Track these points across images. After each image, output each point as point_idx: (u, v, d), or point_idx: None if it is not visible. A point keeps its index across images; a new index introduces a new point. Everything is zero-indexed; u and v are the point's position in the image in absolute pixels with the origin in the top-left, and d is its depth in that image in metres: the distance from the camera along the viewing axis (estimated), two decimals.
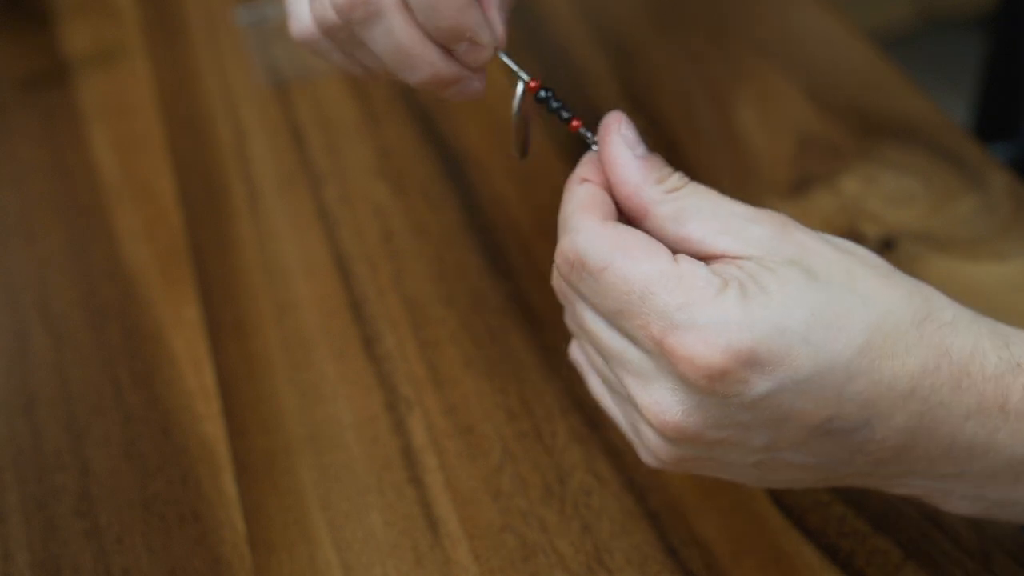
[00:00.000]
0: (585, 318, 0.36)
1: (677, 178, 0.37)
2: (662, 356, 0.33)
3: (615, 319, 0.34)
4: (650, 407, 0.34)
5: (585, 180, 0.38)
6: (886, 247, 0.53)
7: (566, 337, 0.51)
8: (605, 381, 0.38)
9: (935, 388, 0.33)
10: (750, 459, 0.35)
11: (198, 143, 0.64)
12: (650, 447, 0.36)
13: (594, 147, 0.39)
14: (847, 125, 0.60)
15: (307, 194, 0.60)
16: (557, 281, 0.38)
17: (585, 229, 0.35)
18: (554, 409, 0.48)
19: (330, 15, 0.38)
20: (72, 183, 0.62)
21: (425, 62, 0.38)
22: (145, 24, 0.72)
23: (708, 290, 0.32)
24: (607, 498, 0.45)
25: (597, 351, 0.37)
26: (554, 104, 0.39)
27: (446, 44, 0.38)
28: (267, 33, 0.67)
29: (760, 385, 0.32)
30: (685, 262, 0.34)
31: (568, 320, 0.39)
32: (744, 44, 0.66)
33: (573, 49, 0.67)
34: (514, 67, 0.40)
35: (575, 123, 0.39)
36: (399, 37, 0.38)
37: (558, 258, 0.36)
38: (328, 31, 0.39)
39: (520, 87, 0.39)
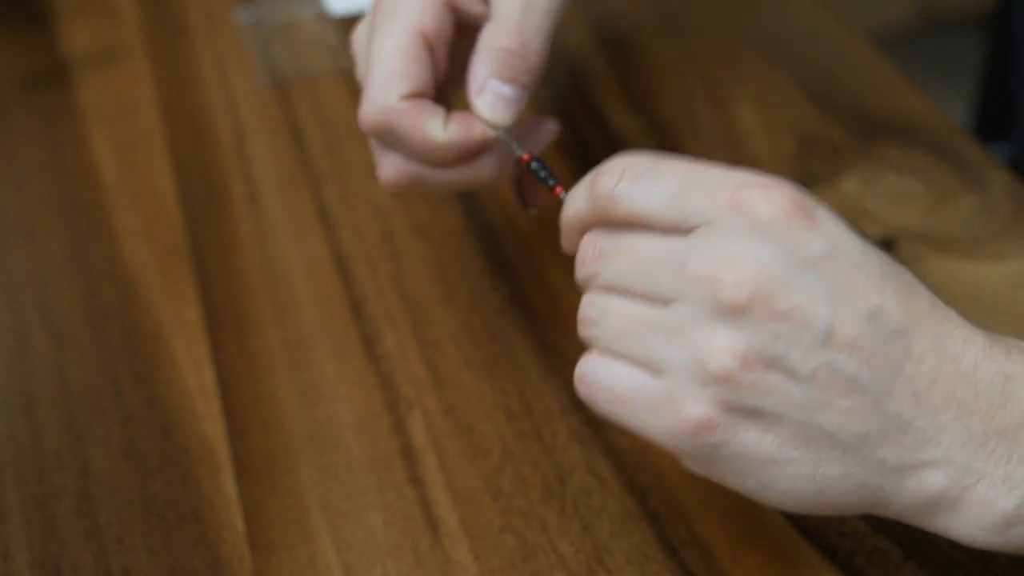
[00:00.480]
0: (635, 246, 0.38)
1: None
2: (733, 212, 0.35)
3: (675, 202, 0.36)
4: (723, 267, 0.35)
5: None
6: (886, 247, 0.53)
7: (566, 337, 0.51)
8: (640, 332, 0.37)
9: (948, 317, 0.36)
10: (808, 363, 0.34)
11: (198, 143, 0.64)
12: (710, 347, 0.35)
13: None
14: (847, 125, 0.60)
15: (307, 194, 0.60)
16: (590, 262, 0.39)
17: (621, 156, 0.39)
18: (554, 409, 0.48)
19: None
20: (72, 183, 0.62)
21: (471, 180, 0.46)
22: (145, 24, 0.72)
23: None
24: (607, 498, 0.45)
25: (639, 273, 0.37)
26: (541, 174, 0.45)
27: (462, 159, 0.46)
28: (267, 33, 0.67)
29: (820, 240, 0.35)
30: None
31: (593, 305, 0.39)
32: (744, 44, 0.66)
33: (573, 49, 0.67)
34: (511, 143, 0.45)
35: (558, 189, 0.44)
36: (438, 178, 0.46)
37: (603, 180, 0.38)
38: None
39: (514, 160, 0.46)
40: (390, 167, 0.46)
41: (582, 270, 0.39)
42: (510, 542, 0.44)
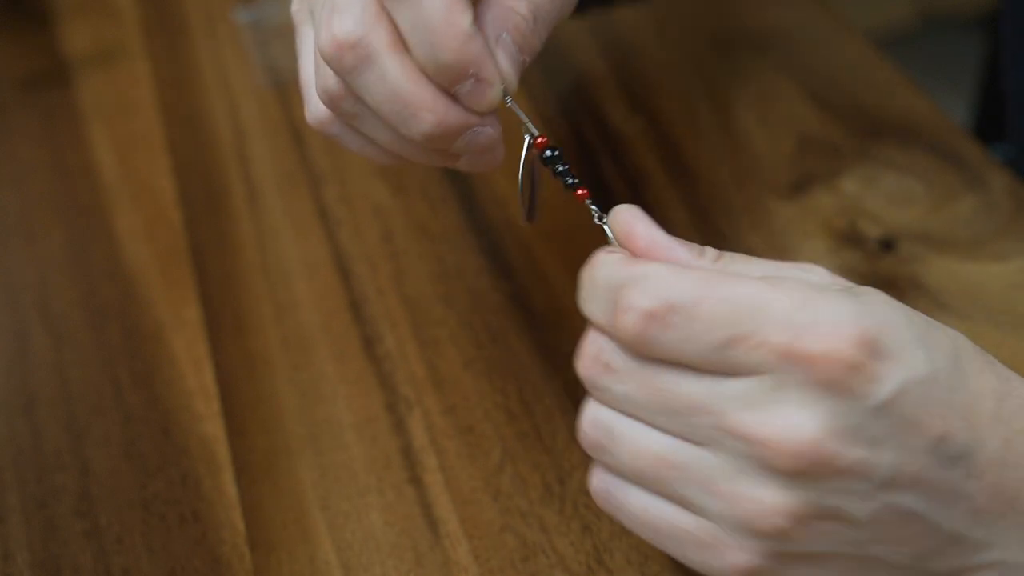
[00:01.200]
0: (661, 382, 0.32)
1: (712, 250, 0.35)
2: (790, 365, 0.30)
3: (721, 353, 0.31)
4: (778, 432, 0.30)
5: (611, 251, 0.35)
6: (886, 247, 0.53)
7: (566, 337, 0.51)
8: (665, 474, 0.33)
9: (1015, 413, 0.32)
10: (866, 508, 0.31)
11: (198, 143, 0.64)
12: (758, 506, 0.31)
13: (603, 224, 0.36)
14: (847, 125, 0.60)
15: (307, 194, 0.60)
16: (593, 371, 0.33)
17: (657, 274, 0.32)
18: (554, 409, 0.48)
19: (331, 81, 0.37)
20: (72, 183, 0.62)
21: (426, 107, 0.35)
22: (145, 24, 0.72)
23: (816, 289, 0.31)
24: None
25: (661, 409, 0.32)
26: (559, 167, 0.37)
27: (448, 85, 0.35)
28: (267, 33, 0.67)
29: (889, 380, 0.30)
30: (775, 279, 0.32)
31: (596, 426, 0.34)
32: (744, 44, 0.66)
33: (573, 50, 0.67)
34: (523, 117, 0.37)
35: (581, 192, 0.36)
36: (394, 80, 0.35)
37: (628, 319, 0.32)
38: (334, 102, 0.38)
39: (527, 141, 0.37)
40: (380, 81, 0.35)
41: (585, 369, 0.34)
42: (510, 542, 0.44)
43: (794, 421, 0.30)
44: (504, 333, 0.52)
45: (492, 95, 0.36)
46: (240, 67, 0.68)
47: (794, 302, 0.31)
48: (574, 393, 0.49)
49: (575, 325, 0.39)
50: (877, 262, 0.52)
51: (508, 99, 0.36)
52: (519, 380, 0.50)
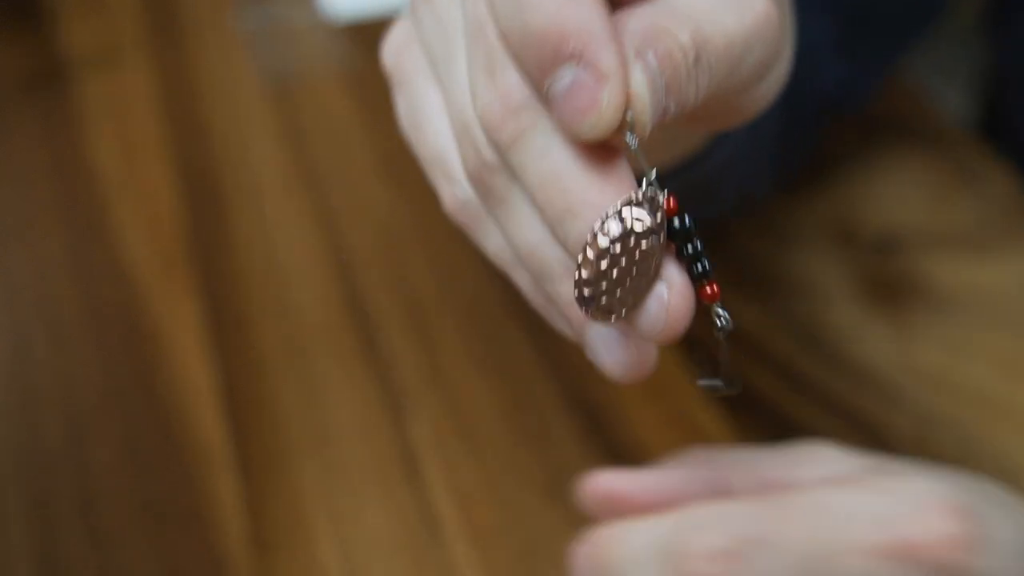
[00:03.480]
0: None
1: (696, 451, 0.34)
2: (896, 563, 0.27)
3: (816, 567, 0.27)
4: None
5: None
6: (886, 247, 0.53)
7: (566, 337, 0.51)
8: None
9: None
10: None
11: (198, 143, 0.64)
12: None
13: (721, 333, 0.27)
14: (847, 125, 0.60)
15: (307, 194, 0.60)
16: None
17: (711, 512, 0.29)
18: (554, 409, 0.48)
19: (486, 152, 0.28)
20: (72, 183, 0.62)
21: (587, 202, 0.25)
22: (145, 24, 0.72)
23: (892, 475, 0.29)
24: None
25: None
26: (689, 247, 0.26)
27: (540, 74, 0.25)
28: (267, 34, 0.67)
29: (986, 554, 0.28)
30: (826, 482, 0.30)
31: None
32: None
33: None
34: (644, 164, 0.26)
35: (710, 290, 0.26)
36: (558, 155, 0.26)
37: (699, 568, 0.27)
38: (486, 178, 0.29)
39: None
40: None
41: None
42: (510, 542, 0.44)
43: None
44: (504, 333, 0.52)
45: (605, 99, 0.24)
46: (240, 68, 0.68)
47: (882, 494, 0.28)
48: (574, 393, 0.49)
49: None
50: (876, 262, 0.52)
51: (629, 136, 0.25)
52: (519, 380, 0.50)
